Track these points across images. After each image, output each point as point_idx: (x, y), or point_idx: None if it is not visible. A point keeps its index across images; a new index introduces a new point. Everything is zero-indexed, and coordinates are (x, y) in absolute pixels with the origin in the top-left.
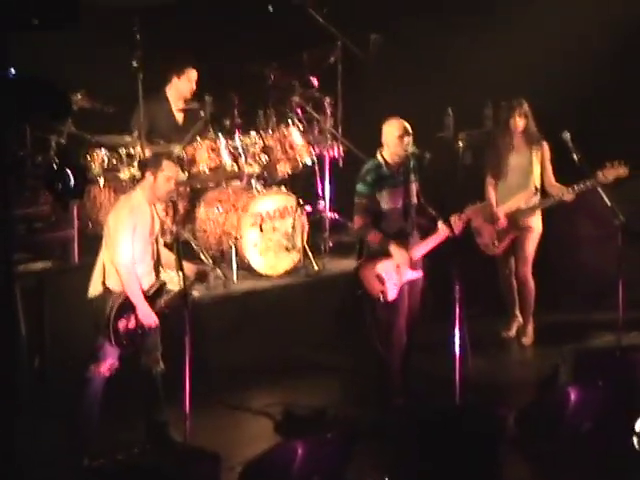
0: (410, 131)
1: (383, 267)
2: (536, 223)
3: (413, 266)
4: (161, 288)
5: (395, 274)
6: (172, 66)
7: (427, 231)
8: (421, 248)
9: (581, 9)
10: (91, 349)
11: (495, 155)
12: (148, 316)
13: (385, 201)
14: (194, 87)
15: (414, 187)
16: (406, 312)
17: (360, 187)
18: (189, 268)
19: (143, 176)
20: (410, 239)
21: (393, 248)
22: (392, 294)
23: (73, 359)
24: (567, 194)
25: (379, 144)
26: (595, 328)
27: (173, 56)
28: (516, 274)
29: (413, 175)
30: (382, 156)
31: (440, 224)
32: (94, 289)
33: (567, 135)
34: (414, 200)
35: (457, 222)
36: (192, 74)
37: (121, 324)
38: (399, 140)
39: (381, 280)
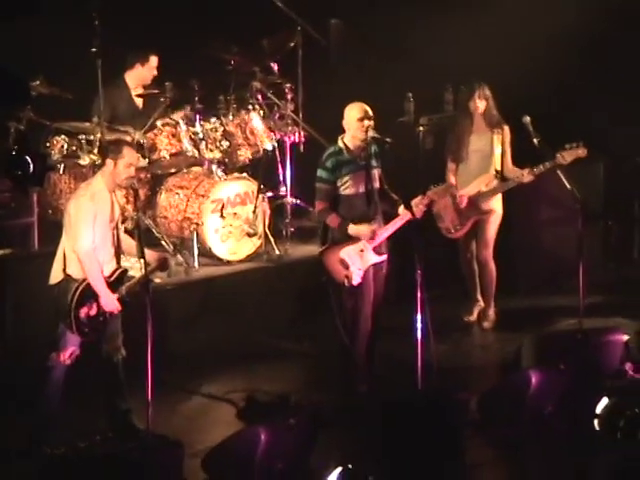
0: (371, 115)
1: (346, 252)
2: (497, 206)
3: (377, 249)
4: (122, 275)
5: (359, 258)
6: (136, 53)
7: (390, 215)
8: (384, 232)
9: None
10: (52, 337)
11: (455, 139)
12: (110, 303)
13: (347, 186)
14: (156, 73)
15: (376, 172)
16: (371, 297)
17: (321, 172)
18: (150, 255)
19: (103, 162)
20: (373, 223)
21: (352, 228)
22: (357, 278)
23: (35, 347)
24: (527, 175)
25: (340, 129)
26: (556, 311)
27: (135, 42)
28: (477, 257)
29: (375, 160)
30: (343, 141)
31: (402, 208)
32: (55, 276)
33: (527, 119)
34: (376, 185)
35: (419, 205)
36: (155, 61)
37: (82, 311)
38: (359, 123)
39: (345, 265)
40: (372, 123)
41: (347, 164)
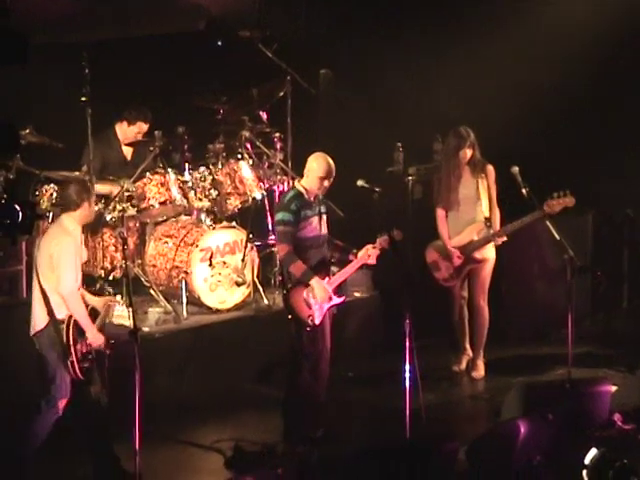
0: (333, 174)
1: (310, 292)
2: (490, 253)
3: (335, 291)
4: (92, 312)
5: (321, 299)
6: (134, 113)
7: (340, 260)
8: (339, 276)
9: (528, 42)
10: (43, 384)
11: (444, 186)
12: (97, 337)
13: (307, 229)
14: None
15: (325, 217)
16: (329, 338)
17: (285, 215)
18: (97, 301)
19: (79, 205)
20: (333, 267)
21: (315, 282)
22: (318, 318)
23: (22, 395)
24: (513, 225)
25: None
26: (545, 361)
27: (125, 91)
28: (471, 303)
29: (323, 206)
30: (302, 185)
31: (361, 251)
32: (39, 322)
33: (516, 169)
34: (326, 230)
35: (371, 251)
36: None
37: (78, 349)
38: (320, 181)
39: (308, 304)
40: (331, 182)
41: (308, 207)
